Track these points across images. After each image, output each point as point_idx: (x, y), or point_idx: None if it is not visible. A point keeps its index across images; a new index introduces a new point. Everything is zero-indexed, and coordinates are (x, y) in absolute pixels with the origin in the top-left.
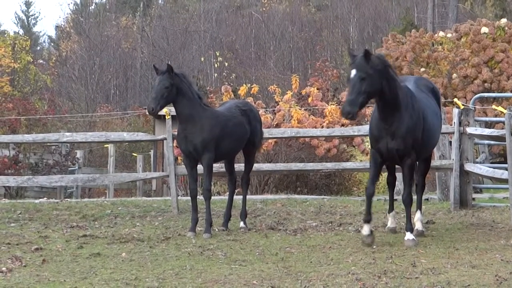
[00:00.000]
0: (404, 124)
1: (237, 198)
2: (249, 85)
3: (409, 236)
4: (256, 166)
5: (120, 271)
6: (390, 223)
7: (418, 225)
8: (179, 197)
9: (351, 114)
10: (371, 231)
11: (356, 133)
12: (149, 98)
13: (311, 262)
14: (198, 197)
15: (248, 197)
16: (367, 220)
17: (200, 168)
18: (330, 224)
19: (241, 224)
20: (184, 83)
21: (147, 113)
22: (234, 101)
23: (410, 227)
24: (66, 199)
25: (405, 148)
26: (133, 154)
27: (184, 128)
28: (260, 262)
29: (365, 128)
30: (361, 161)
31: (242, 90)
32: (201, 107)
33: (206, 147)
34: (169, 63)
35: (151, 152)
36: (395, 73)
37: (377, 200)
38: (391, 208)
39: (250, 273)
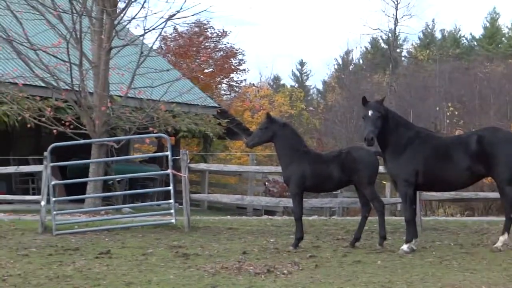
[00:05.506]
0: None
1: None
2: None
3: None
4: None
5: (377, 276)
6: None
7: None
8: (423, 218)
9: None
10: None
11: None
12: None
13: None
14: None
15: (474, 218)
16: None
17: None
18: None
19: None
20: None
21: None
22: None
23: None
24: (333, 217)
25: None
26: (383, 182)
27: None
28: (487, 271)
29: None
30: None
31: None
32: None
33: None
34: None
35: None
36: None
37: None
38: None
39: (479, 280)
